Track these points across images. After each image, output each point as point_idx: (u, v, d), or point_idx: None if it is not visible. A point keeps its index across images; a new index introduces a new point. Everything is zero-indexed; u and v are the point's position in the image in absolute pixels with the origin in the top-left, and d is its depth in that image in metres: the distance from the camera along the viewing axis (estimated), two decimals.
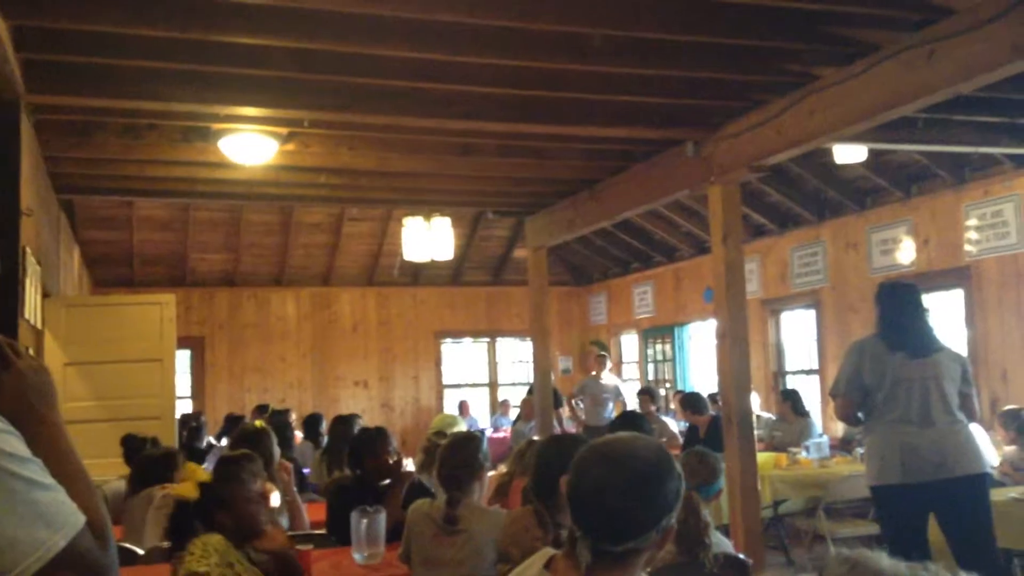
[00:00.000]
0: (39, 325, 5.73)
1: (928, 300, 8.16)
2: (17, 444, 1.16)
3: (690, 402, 8.27)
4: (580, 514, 1.73)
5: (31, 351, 4.95)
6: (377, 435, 4.28)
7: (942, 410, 4.32)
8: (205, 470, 2.96)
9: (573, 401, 10.12)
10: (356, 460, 4.17)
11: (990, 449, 5.19)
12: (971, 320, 7.64)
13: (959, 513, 4.26)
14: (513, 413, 11.79)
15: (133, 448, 5.23)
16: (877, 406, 4.40)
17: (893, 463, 4.30)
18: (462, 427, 5.59)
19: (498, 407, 13.05)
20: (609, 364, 10.62)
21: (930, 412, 4.30)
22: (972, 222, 7.58)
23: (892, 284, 4.78)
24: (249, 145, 5.56)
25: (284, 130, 5.64)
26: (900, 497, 4.30)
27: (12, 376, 1.31)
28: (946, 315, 8.11)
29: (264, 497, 3.76)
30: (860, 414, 4.52)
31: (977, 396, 4.61)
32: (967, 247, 7.62)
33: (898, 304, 4.50)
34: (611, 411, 10.11)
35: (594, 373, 10.32)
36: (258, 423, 4.69)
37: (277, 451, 4.43)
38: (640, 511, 1.68)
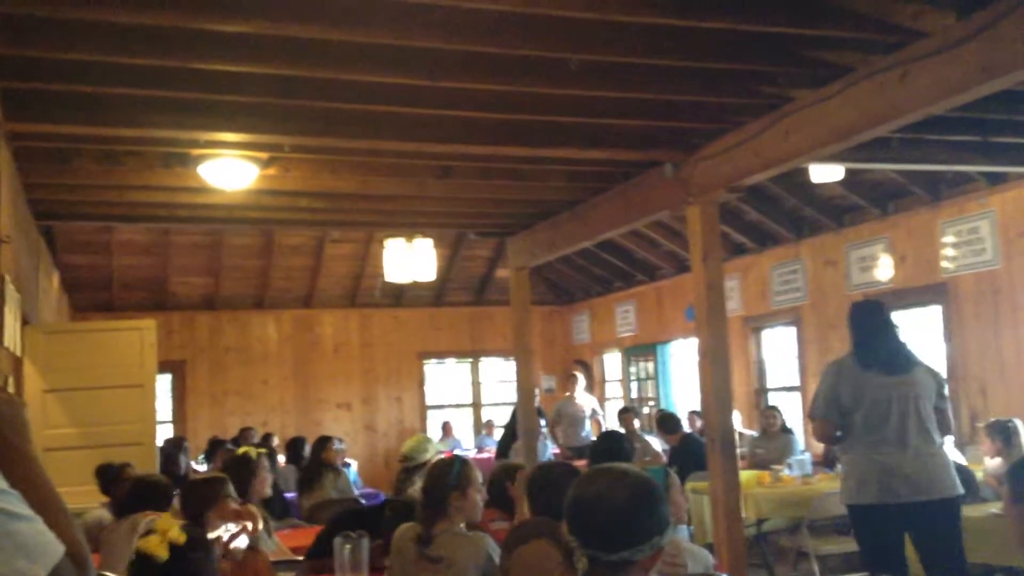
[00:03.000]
0: (18, 352, 5.69)
1: (906, 316, 8.33)
2: None
3: (662, 422, 8.31)
4: (578, 523, 1.87)
5: (10, 379, 4.92)
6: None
7: (920, 431, 4.36)
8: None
9: (556, 429, 10.08)
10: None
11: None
12: (949, 336, 7.71)
13: (933, 534, 4.33)
14: (497, 433, 11.77)
15: (108, 477, 5.17)
16: (856, 425, 4.41)
17: (871, 483, 4.34)
18: (431, 448, 5.56)
19: (482, 427, 13.03)
20: (582, 382, 10.61)
21: (907, 433, 4.33)
22: (948, 239, 7.66)
23: (862, 303, 4.85)
24: (229, 170, 5.56)
25: (264, 155, 5.65)
26: (877, 517, 4.35)
27: None
28: (924, 331, 8.19)
29: (242, 516, 3.74)
30: (838, 433, 4.54)
31: (952, 410, 4.66)
32: (944, 264, 7.70)
33: (869, 323, 4.54)
34: (589, 429, 10.11)
35: (568, 394, 10.32)
36: (251, 450, 4.63)
37: (270, 477, 4.39)
38: (635, 522, 1.82)
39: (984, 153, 5.93)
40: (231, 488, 3.80)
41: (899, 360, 4.45)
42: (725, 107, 4.94)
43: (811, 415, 4.73)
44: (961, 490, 4.43)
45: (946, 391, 4.55)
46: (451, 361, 13.79)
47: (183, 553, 2.48)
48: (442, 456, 3.99)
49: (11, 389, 4.98)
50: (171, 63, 3.99)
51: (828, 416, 4.49)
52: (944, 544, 4.34)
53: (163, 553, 2.44)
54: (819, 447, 8.39)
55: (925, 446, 4.35)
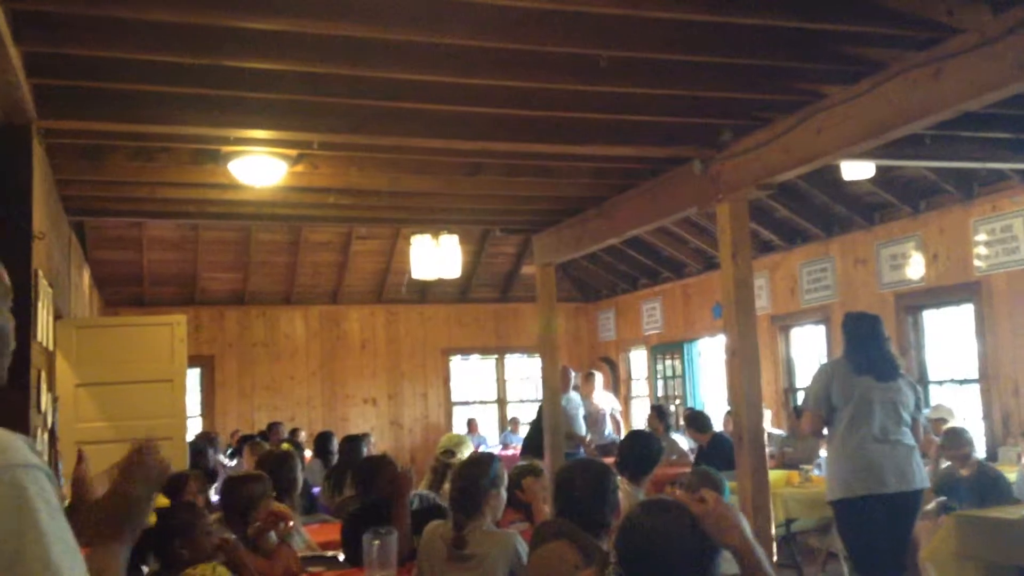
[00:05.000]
0: (51, 347, 5.76)
1: (938, 315, 8.22)
2: (54, 491, 1.15)
3: (692, 420, 8.26)
4: (633, 562, 1.83)
5: (43, 373, 4.97)
6: (382, 461, 4.29)
7: (899, 430, 4.85)
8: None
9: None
10: (365, 487, 4.15)
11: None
12: (981, 335, 7.61)
13: (908, 520, 4.85)
14: (522, 431, 11.77)
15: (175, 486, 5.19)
16: (843, 422, 4.87)
17: (860, 476, 4.77)
18: (469, 446, 5.58)
19: (507, 424, 13.03)
20: (601, 381, 10.57)
21: (890, 431, 4.82)
22: (981, 237, 7.56)
23: (859, 314, 5.28)
24: (259, 167, 5.59)
25: (293, 152, 5.67)
26: (866, 509, 4.75)
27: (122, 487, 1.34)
28: (956, 330, 8.10)
29: (279, 517, 3.77)
30: (825, 429, 5.03)
31: (983, 410, 5.08)
32: (976, 262, 7.60)
33: (864, 333, 5.01)
34: (609, 428, 10.08)
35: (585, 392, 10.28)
36: (284, 445, 4.68)
37: (301, 476, 4.40)
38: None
39: (1018, 150, 5.84)
40: (271, 487, 3.83)
41: (887, 369, 4.92)
42: (755, 103, 4.90)
43: (801, 407, 5.29)
44: (928, 483, 5.05)
45: (922, 404, 5.14)
46: (476, 357, 13.80)
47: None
48: (473, 455, 4.00)
49: (43, 383, 5.04)
50: (202, 60, 4.02)
51: (817, 410, 4.99)
52: (907, 533, 4.88)
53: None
54: None
55: (905, 443, 4.84)
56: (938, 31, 3.88)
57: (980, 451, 6.89)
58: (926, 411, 5.92)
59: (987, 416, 7.51)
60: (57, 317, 6.05)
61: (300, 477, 4.37)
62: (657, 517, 1.84)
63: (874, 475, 4.75)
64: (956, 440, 5.80)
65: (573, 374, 10.03)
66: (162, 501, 2.52)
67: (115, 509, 1.42)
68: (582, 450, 9.32)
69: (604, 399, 10.32)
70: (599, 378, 10.53)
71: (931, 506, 5.56)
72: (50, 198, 5.58)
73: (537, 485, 4.12)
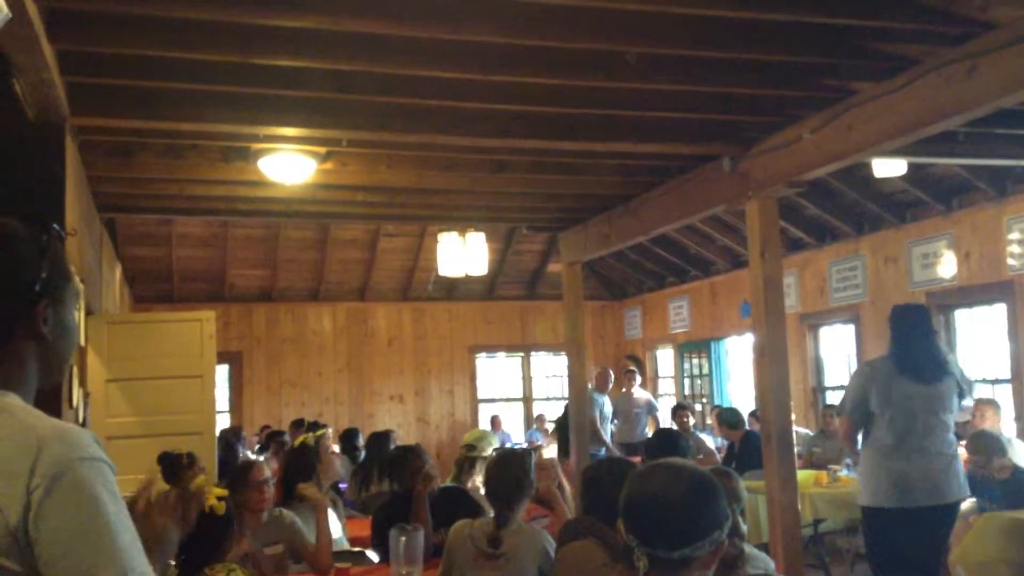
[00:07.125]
0: (82, 342, 5.82)
1: (970, 315, 8.11)
2: (116, 483, 1.19)
3: (725, 417, 8.22)
4: (636, 522, 1.85)
5: (74, 369, 5.02)
6: (410, 452, 4.33)
7: (939, 438, 4.60)
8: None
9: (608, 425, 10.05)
10: (394, 477, 4.19)
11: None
12: (1014, 334, 7.51)
13: (940, 533, 4.66)
14: (548, 429, 11.77)
15: (170, 465, 5.25)
16: (880, 428, 4.65)
17: (891, 488, 4.58)
18: (492, 441, 5.60)
19: (532, 421, 13.04)
20: (639, 379, 10.56)
21: (926, 441, 4.59)
22: (1014, 235, 7.45)
23: (905, 306, 5.01)
24: (288, 164, 5.63)
25: (322, 149, 5.70)
26: (895, 520, 4.57)
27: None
28: (988, 330, 7.99)
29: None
30: (860, 433, 4.83)
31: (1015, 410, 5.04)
32: (1010, 261, 7.50)
33: (909, 322, 4.74)
34: (644, 427, 10.04)
35: (624, 389, 10.26)
36: (308, 438, 4.71)
37: (336, 460, 4.44)
38: (695, 519, 1.80)
39: None
40: (262, 475, 3.82)
41: (932, 368, 4.64)
42: (785, 100, 4.86)
43: (838, 411, 5.12)
44: (968, 492, 4.79)
45: (967, 400, 4.95)
46: (502, 355, 13.81)
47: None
48: (508, 450, 4.00)
49: (75, 379, 5.09)
50: (231, 58, 4.05)
51: (854, 416, 4.78)
52: (942, 542, 4.72)
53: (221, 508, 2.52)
54: None
55: (944, 451, 4.61)
56: (971, 27, 3.83)
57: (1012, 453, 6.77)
58: (968, 402, 5.70)
59: (1020, 417, 7.40)
60: (88, 313, 6.11)
61: (333, 461, 4.41)
62: (649, 481, 1.87)
63: (904, 489, 4.56)
64: (981, 447, 5.50)
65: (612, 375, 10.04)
66: (222, 491, 2.50)
67: (150, 536, 1.48)
68: (604, 449, 9.30)
69: (643, 396, 10.31)
70: (638, 376, 10.55)
71: (964, 507, 5.45)
72: (82, 195, 5.64)
73: (553, 484, 4.11)
